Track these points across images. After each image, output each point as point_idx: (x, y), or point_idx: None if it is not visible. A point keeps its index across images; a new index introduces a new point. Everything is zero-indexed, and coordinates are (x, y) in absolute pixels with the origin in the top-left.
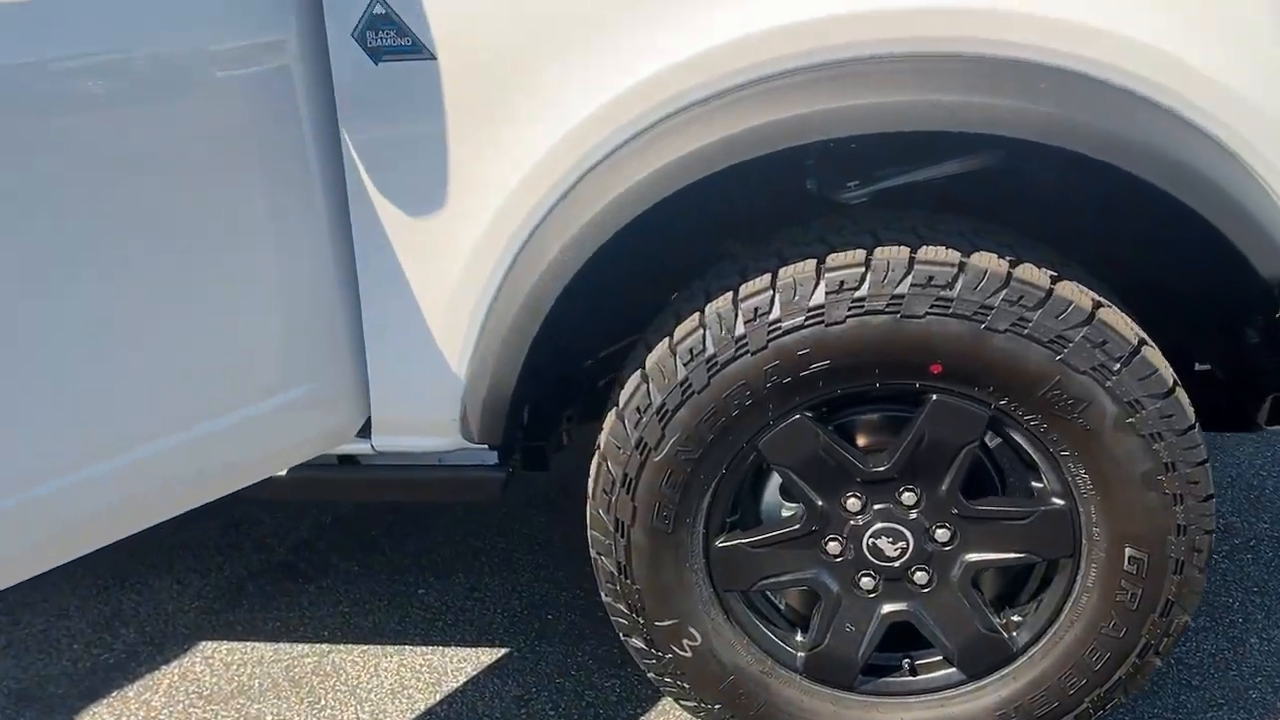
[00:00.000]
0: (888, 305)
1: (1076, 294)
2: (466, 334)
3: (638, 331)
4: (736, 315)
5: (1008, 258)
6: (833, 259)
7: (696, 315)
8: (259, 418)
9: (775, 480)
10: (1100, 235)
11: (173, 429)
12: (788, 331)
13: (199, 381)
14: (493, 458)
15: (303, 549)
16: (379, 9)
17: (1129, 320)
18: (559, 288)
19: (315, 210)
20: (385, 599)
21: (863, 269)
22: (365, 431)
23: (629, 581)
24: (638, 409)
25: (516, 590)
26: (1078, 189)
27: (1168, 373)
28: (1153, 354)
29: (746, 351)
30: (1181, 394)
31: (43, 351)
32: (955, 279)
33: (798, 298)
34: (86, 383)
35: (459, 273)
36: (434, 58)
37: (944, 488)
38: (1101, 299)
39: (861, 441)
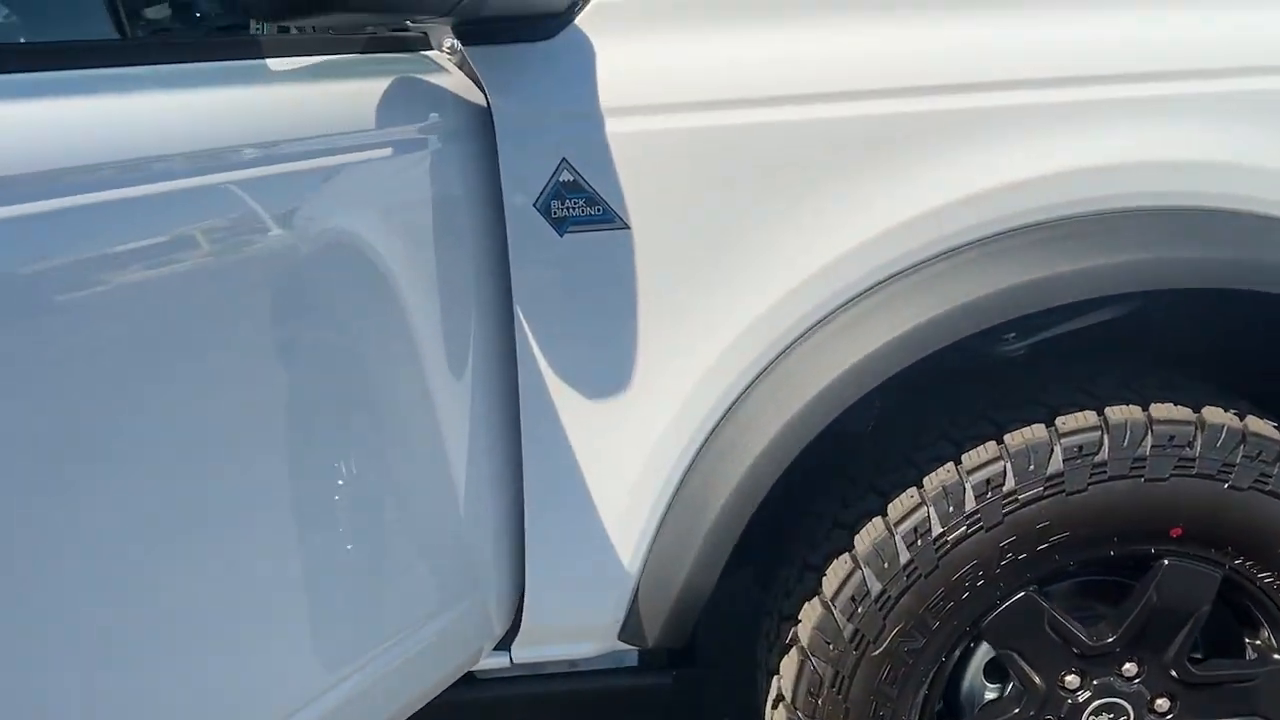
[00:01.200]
0: (1130, 469)
1: None
2: (644, 529)
3: (814, 511)
4: (965, 489)
5: (1233, 410)
6: (1062, 422)
7: (914, 491)
8: (416, 650)
9: (978, 661)
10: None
11: (317, 687)
12: (1025, 504)
13: (353, 620)
14: (632, 658)
15: None
16: (566, 176)
17: None
18: (777, 471)
19: (483, 400)
20: None
21: (1099, 431)
22: (502, 641)
23: None
24: (852, 598)
25: None
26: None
27: None
28: None
29: (980, 528)
30: None
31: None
32: (1194, 437)
33: (1033, 466)
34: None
35: (642, 461)
36: (627, 227)
37: (1169, 656)
38: None
39: (1082, 613)
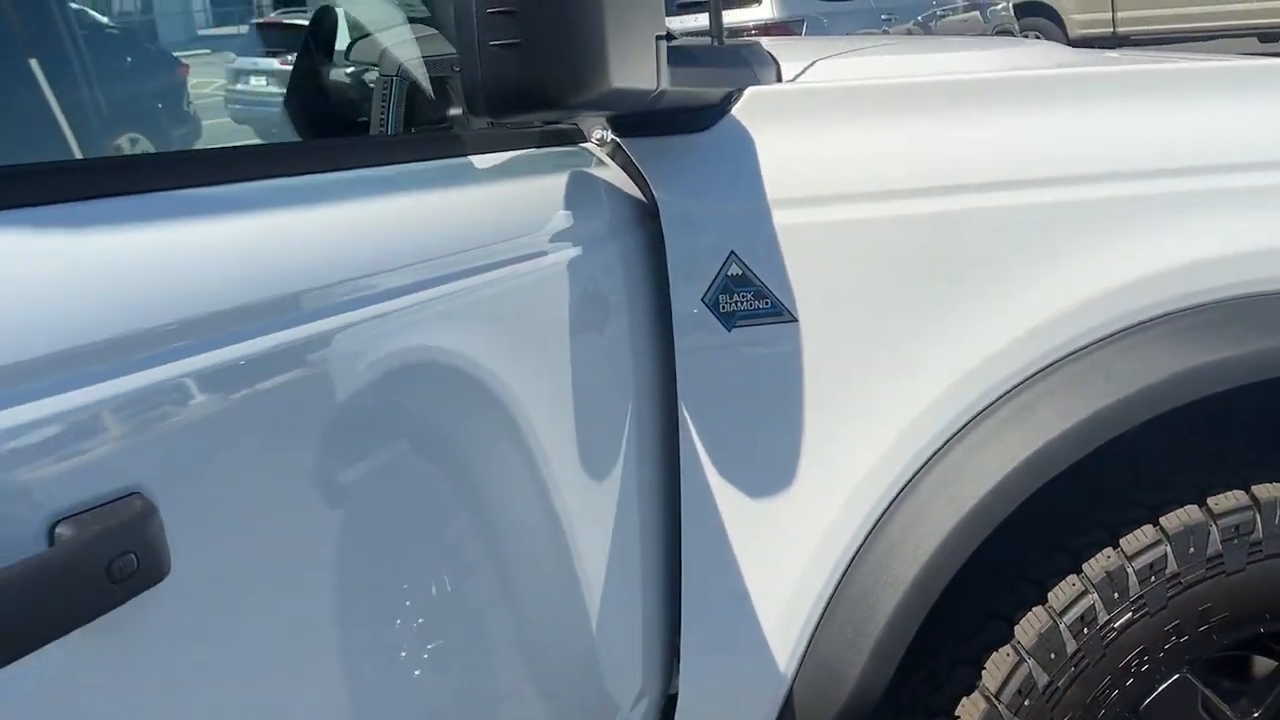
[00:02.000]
0: None
1: None
2: (801, 630)
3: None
4: (1128, 574)
5: None
6: (1214, 503)
7: (1075, 579)
8: None
9: None
10: None
11: None
12: (1189, 586)
13: None
14: None
15: None
16: (734, 269)
17: None
18: (954, 568)
19: (641, 502)
20: None
21: (1252, 510)
22: None
23: None
24: (1019, 691)
25: None
26: None
27: None
28: None
29: (1145, 613)
30: None
31: None
32: None
33: (1193, 549)
34: None
35: (804, 559)
36: (794, 320)
37: None
38: None
39: (1219, 690)
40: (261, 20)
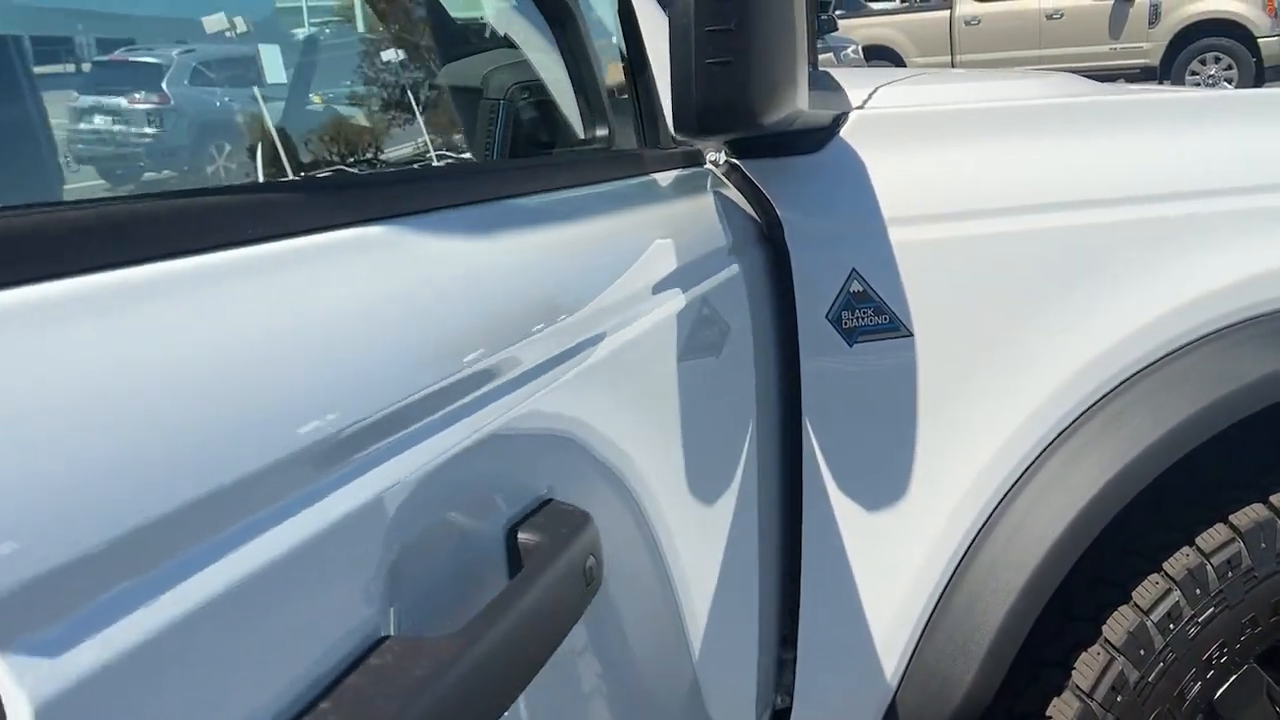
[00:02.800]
0: None
1: None
2: (909, 640)
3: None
4: (1207, 571)
5: None
6: (1276, 500)
7: (1157, 578)
8: None
9: None
10: None
11: None
12: (1262, 580)
13: None
14: None
15: None
16: (856, 286)
17: None
18: (1060, 575)
19: (764, 521)
20: None
21: None
22: None
23: None
24: (1113, 688)
25: None
26: None
27: None
28: None
29: (1225, 607)
30: None
31: None
32: None
33: (1263, 544)
34: None
35: (915, 568)
36: (910, 334)
37: None
38: None
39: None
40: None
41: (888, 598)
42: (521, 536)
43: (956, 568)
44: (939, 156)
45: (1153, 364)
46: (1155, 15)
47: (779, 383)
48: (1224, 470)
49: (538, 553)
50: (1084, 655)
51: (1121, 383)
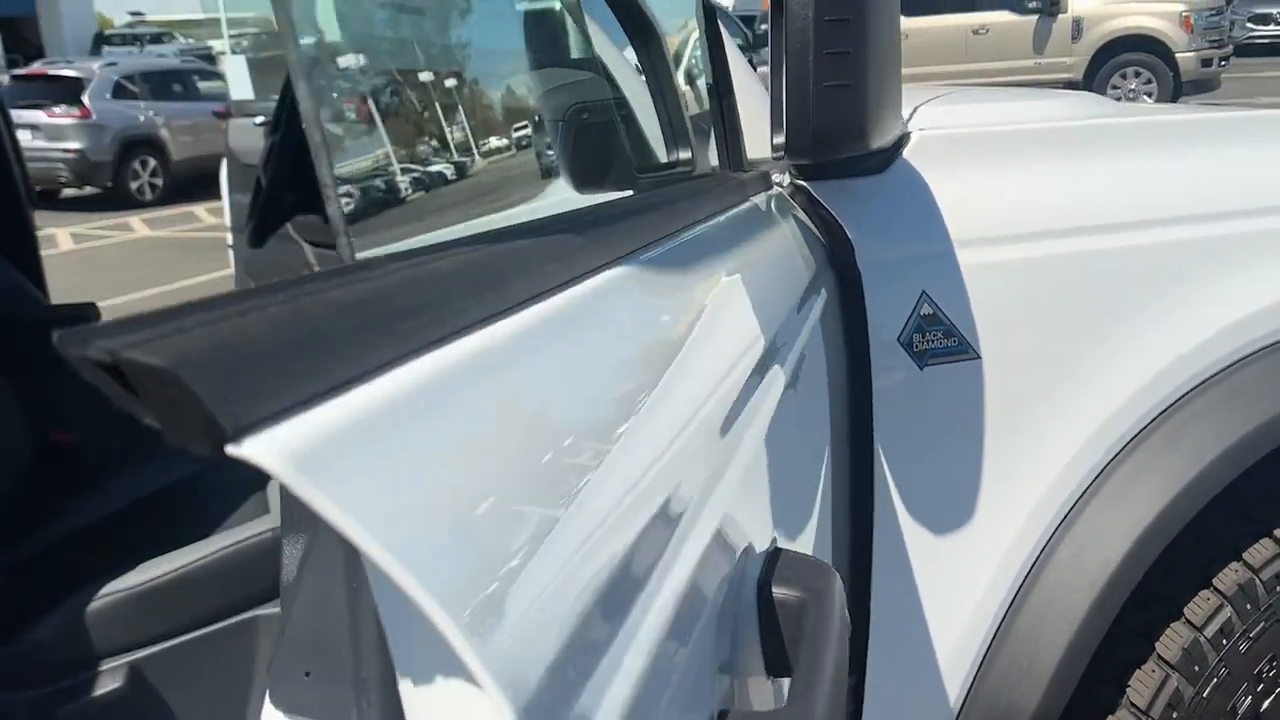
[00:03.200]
0: None
1: None
2: (974, 660)
3: None
4: (1256, 585)
5: None
6: None
7: (1208, 593)
8: None
9: None
10: None
11: None
12: None
13: None
14: None
15: None
16: (926, 309)
17: None
18: (1127, 591)
19: (837, 546)
20: None
21: None
22: None
23: None
24: (1169, 705)
25: None
26: None
27: None
28: None
29: (1276, 621)
30: None
31: None
32: None
33: None
34: None
35: (983, 586)
36: (978, 357)
37: None
38: None
39: None
40: (22, 72)
41: (953, 621)
42: (777, 593)
43: (1019, 590)
44: (1001, 177)
45: (1211, 377)
46: (1078, 31)
47: (849, 408)
48: (1271, 485)
49: (805, 609)
50: (1138, 673)
51: (1181, 396)
